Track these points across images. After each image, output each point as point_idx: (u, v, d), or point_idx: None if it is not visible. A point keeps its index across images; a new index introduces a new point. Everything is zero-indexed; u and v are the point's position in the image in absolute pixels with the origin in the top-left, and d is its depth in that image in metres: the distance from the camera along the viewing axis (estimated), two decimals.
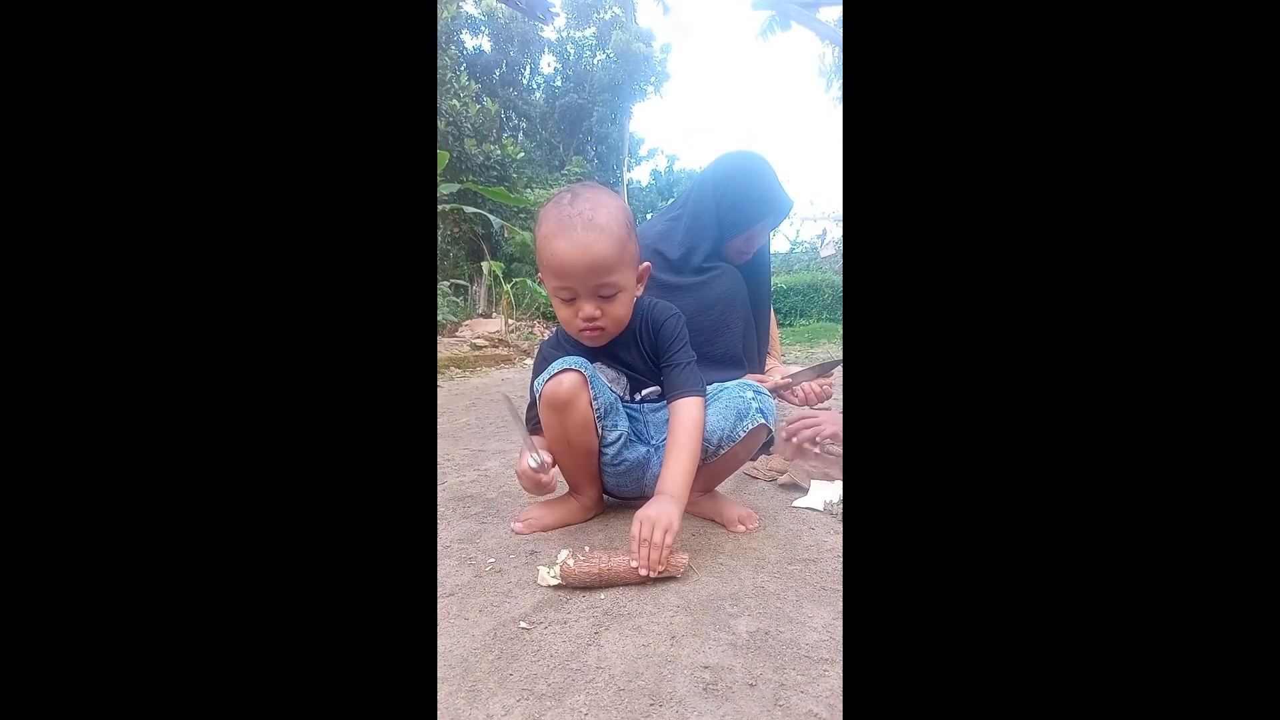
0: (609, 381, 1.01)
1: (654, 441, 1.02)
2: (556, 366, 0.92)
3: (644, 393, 1.03)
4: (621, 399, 1.02)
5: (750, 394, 0.97)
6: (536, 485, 0.92)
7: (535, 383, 0.95)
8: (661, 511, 0.81)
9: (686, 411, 0.92)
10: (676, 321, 0.99)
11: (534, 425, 1.01)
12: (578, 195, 0.91)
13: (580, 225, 0.87)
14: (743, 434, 0.95)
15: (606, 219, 0.88)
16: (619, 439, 0.98)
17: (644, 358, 1.00)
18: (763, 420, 0.95)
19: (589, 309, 0.91)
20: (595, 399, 0.93)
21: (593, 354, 1.00)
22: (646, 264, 0.99)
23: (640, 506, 0.82)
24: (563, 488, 1.03)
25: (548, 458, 0.93)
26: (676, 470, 0.87)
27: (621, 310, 0.93)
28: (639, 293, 0.98)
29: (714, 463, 0.99)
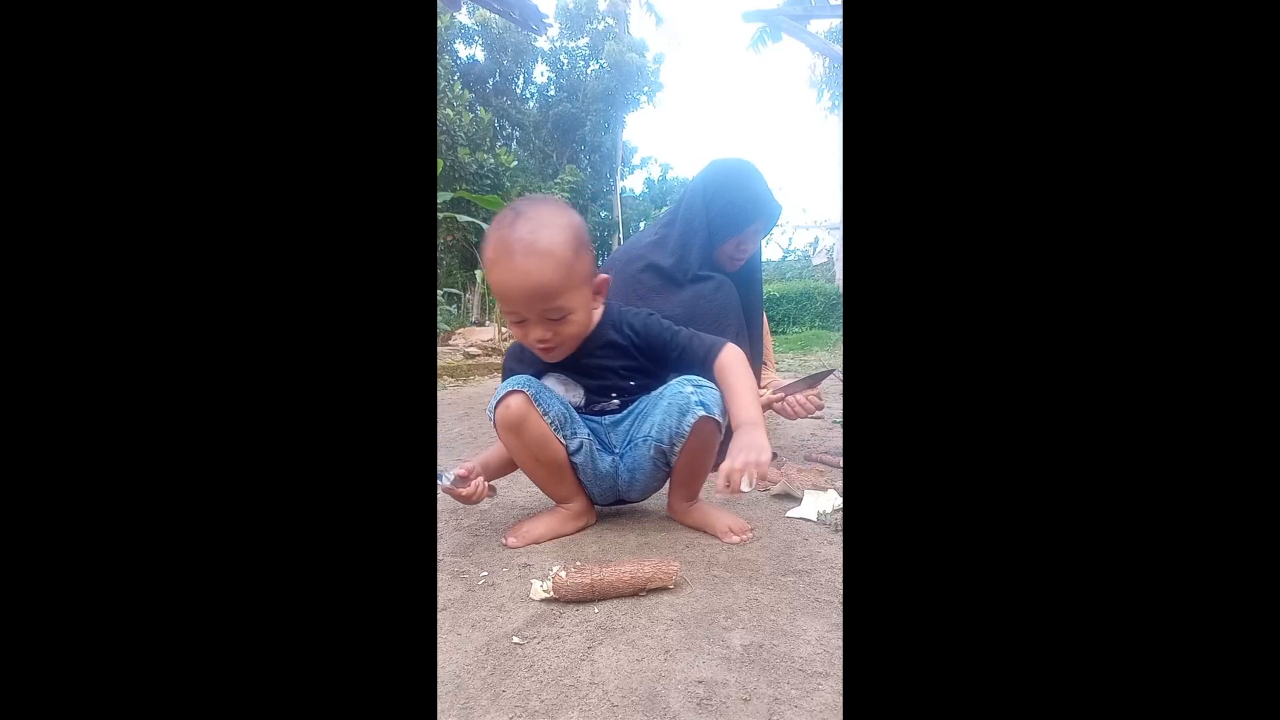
0: (562, 392, 1.02)
1: (618, 450, 1.03)
2: (502, 391, 0.94)
3: (600, 406, 1.04)
4: (579, 409, 1.02)
5: (689, 389, 0.95)
6: (466, 500, 0.96)
7: (489, 406, 0.97)
8: (751, 442, 0.84)
9: (725, 356, 0.97)
10: (655, 318, 1.03)
11: None
12: (519, 215, 0.88)
13: (520, 251, 0.85)
14: (688, 429, 0.94)
15: (548, 242, 0.86)
16: (581, 447, 0.99)
17: (619, 356, 1.01)
18: (704, 412, 0.93)
19: (538, 332, 0.93)
20: (545, 414, 0.94)
21: (550, 365, 1.02)
22: (604, 276, 0.99)
23: (621, 512, 0.81)
24: (538, 499, 1.03)
25: (462, 470, 0.95)
26: (742, 401, 0.93)
27: (575, 329, 0.95)
28: (598, 306, 0.99)
29: (677, 463, 0.99)
